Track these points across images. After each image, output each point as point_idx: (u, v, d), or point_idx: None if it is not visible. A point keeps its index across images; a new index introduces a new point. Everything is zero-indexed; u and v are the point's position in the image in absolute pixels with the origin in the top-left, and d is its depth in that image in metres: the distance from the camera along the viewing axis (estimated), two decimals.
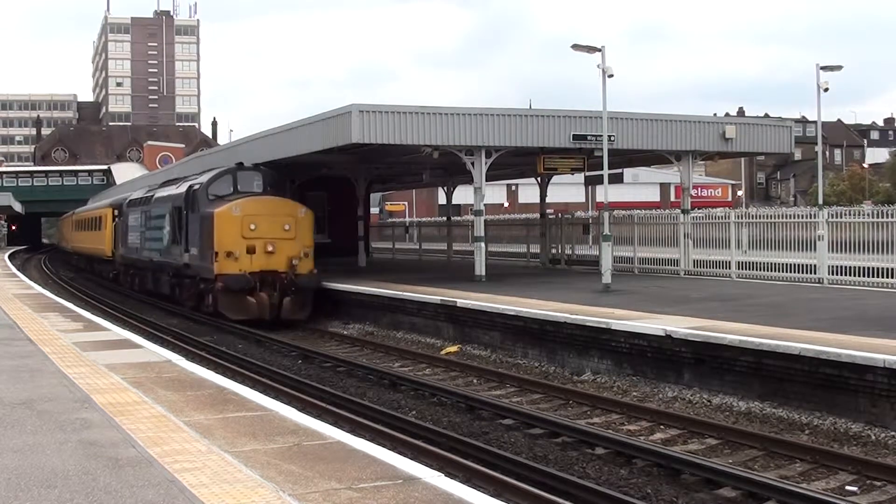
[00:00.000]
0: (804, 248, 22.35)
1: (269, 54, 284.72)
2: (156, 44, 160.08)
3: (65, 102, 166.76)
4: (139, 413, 8.33)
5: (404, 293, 21.13)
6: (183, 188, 26.20)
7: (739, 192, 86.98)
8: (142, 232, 31.19)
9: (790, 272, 22.49)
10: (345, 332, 21.56)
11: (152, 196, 30.46)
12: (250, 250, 22.52)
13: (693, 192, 28.67)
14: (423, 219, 59.17)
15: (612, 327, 14.90)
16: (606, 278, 21.32)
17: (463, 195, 40.82)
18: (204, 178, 25.09)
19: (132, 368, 10.92)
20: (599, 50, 21.72)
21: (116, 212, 38.66)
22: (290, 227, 22.97)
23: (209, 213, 23.14)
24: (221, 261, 22.49)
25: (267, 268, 22.64)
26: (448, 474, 7.22)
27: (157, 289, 29.51)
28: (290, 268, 22.75)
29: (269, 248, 22.65)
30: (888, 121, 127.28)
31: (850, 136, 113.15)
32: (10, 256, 55.13)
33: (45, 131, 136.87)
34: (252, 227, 22.54)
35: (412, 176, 35.42)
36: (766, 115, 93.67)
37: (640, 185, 69.27)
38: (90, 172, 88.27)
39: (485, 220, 25.88)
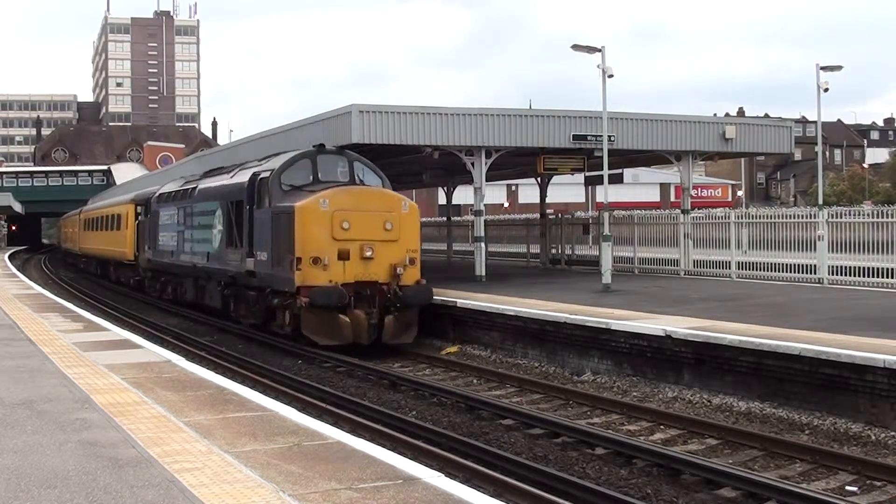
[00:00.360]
0: (804, 249, 22.37)
1: (269, 54, 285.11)
2: (156, 44, 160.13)
3: (65, 102, 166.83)
4: (139, 413, 8.33)
5: None
6: (243, 177, 21.07)
7: (739, 193, 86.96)
8: (179, 232, 26.07)
9: (790, 272, 22.50)
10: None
11: (194, 188, 25.32)
12: (343, 256, 17.75)
13: (693, 192, 28.69)
14: (423, 219, 58.97)
15: (612, 327, 14.90)
16: (606, 278, 21.32)
17: (463, 195, 40.81)
18: (273, 164, 19.85)
19: (132, 369, 10.93)
20: (599, 50, 21.74)
21: (140, 209, 33.54)
22: (392, 226, 18.22)
23: (288, 209, 18.18)
24: (306, 269, 17.62)
25: (364, 278, 17.96)
26: (448, 474, 7.23)
27: (200, 300, 24.75)
28: (393, 277, 18.14)
29: (367, 253, 17.87)
30: (888, 121, 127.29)
31: (850, 136, 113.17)
32: (9, 257, 55.13)
33: (45, 131, 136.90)
34: (345, 225, 17.78)
35: (412, 176, 35.42)
36: (766, 115, 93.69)
37: (640, 185, 69.25)
38: (90, 173, 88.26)
39: (485, 221, 25.89)
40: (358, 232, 17.92)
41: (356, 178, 19.43)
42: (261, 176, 19.75)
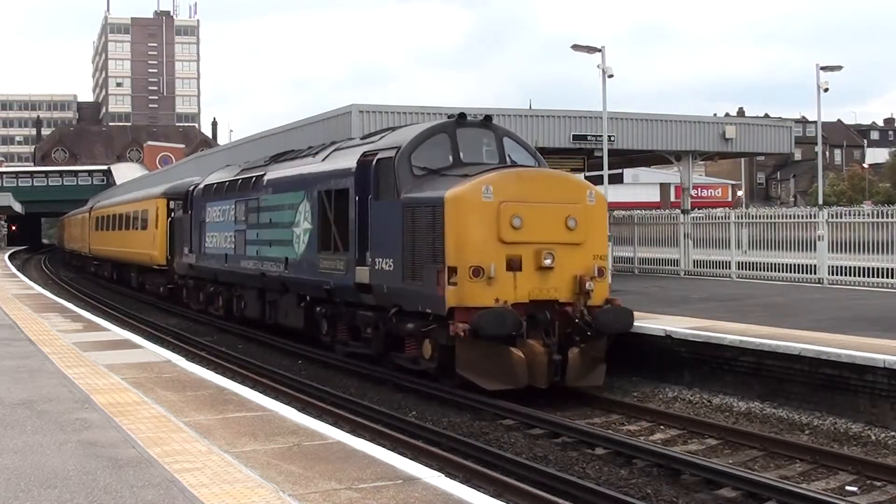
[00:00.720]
0: (804, 249, 22.40)
1: (269, 54, 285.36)
2: (156, 44, 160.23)
3: (65, 102, 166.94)
4: (139, 413, 8.33)
5: None
6: (345, 159, 16.16)
7: (739, 193, 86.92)
8: (239, 231, 21.01)
9: (790, 272, 22.52)
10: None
11: (261, 177, 20.10)
12: (513, 265, 12.90)
13: (693, 192, 28.74)
14: None
15: None
16: None
17: None
18: (395, 140, 15.04)
19: (132, 369, 10.93)
20: (599, 50, 21.79)
21: (174, 204, 28.67)
22: (576, 224, 13.32)
23: (433, 200, 13.28)
24: (463, 283, 12.72)
25: (540, 296, 13.06)
26: (448, 474, 7.22)
27: (271, 318, 19.79)
28: (579, 295, 13.23)
29: (546, 262, 13.03)
30: (888, 121, 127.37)
31: (850, 136, 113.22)
32: (9, 257, 55.17)
33: (45, 131, 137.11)
34: (516, 222, 12.90)
35: None
36: (766, 115, 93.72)
37: (640, 185, 69.10)
38: (90, 173, 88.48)
39: None
40: (533, 232, 13.08)
41: (507, 158, 14.69)
42: (379, 156, 14.83)
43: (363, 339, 15.68)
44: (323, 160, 17.27)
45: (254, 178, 20.50)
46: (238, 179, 21.72)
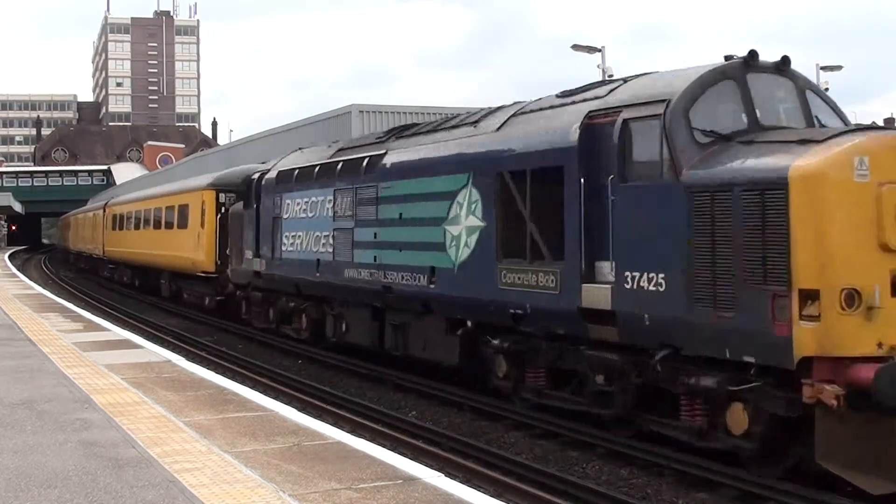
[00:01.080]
0: None
1: (269, 54, 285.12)
2: (156, 44, 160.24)
3: (65, 102, 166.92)
4: (139, 413, 8.33)
5: None
6: (552, 125, 11.16)
7: None
8: (342, 230, 15.81)
9: None
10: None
11: (378, 157, 15.00)
12: None
13: None
14: None
15: None
16: None
17: None
18: (653, 91, 10.06)
19: (132, 369, 10.94)
20: (599, 50, 21.82)
21: (227, 197, 23.81)
22: None
23: (764, 178, 8.47)
24: (829, 317, 7.98)
25: None
26: (448, 474, 7.23)
27: (403, 348, 14.47)
28: None
29: None
30: (888, 121, 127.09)
31: None
32: (10, 257, 55.19)
33: (45, 131, 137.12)
34: None
35: None
36: None
37: None
38: (90, 172, 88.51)
39: None
40: None
41: (814, 122, 10.05)
42: (626, 116, 10.02)
43: (590, 393, 10.63)
44: (497, 130, 12.36)
45: (366, 160, 15.34)
46: (337, 162, 16.53)
